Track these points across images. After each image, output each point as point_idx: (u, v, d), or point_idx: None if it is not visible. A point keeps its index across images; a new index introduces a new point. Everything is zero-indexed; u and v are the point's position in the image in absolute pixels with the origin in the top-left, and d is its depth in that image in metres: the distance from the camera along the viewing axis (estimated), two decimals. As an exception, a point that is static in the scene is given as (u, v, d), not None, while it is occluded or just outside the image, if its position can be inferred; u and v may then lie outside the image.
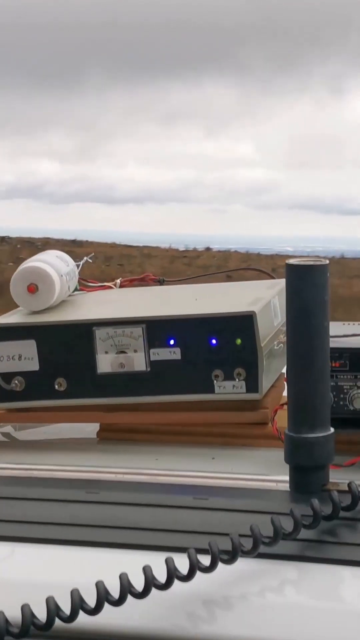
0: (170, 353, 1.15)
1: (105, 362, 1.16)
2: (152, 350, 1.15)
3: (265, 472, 1.07)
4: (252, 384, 1.15)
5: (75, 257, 1.36)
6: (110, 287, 1.36)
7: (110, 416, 1.21)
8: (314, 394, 0.97)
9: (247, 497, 1.00)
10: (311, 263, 0.96)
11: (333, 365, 1.07)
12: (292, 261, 0.97)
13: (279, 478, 1.03)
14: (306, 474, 0.98)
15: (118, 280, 1.36)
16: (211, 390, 1.15)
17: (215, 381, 1.15)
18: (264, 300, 1.19)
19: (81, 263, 1.35)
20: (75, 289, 1.34)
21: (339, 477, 1.01)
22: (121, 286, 1.37)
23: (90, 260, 1.37)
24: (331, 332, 1.09)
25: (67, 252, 1.37)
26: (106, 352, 1.16)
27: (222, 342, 1.14)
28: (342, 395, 1.07)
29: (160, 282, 1.37)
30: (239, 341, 1.14)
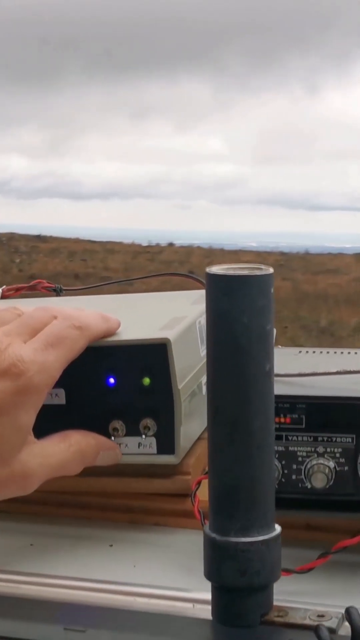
0: (51, 396, 0.80)
1: None
2: (24, 392, 0.80)
3: (179, 578, 0.73)
4: (166, 442, 0.80)
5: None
6: (-12, 298, 1.00)
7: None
8: (247, 475, 0.62)
9: (145, 627, 0.66)
10: (245, 273, 0.61)
11: (281, 421, 0.72)
12: (215, 269, 0.62)
13: (198, 596, 0.68)
14: (237, 598, 0.63)
15: (-1, 289, 1.00)
16: (108, 449, 0.80)
17: (113, 437, 0.80)
18: (185, 321, 0.84)
19: None
20: None
21: (290, 591, 0.67)
22: (3, 296, 1.01)
23: None
24: (281, 368, 0.75)
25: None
26: None
27: (122, 382, 0.80)
28: (294, 467, 0.73)
29: (57, 292, 1.02)
30: (147, 381, 0.79)
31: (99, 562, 0.77)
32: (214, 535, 0.63)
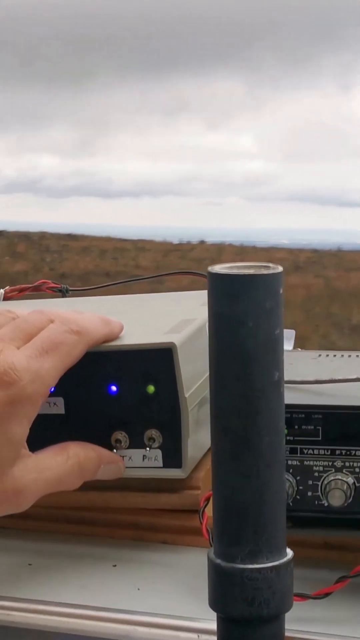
0: (49, 405, 0.75)
1: None
2: (20, 401, 0.74)
3: (184, 603, 0.67)
4: (173, 455, 0.74)
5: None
6: (-12, 300, 0.95)
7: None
8: (254, 495, 0.56)
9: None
10: (251, 272, 0.55)
11: (295, 432, 0.66)
12: (218, 267, 0.56)
13: (204, 626, 0.63)
14: (245, 630, 0.58)
15: (1, 290, 0.95)
16: (110, 462, 0.75)
17: (115, 449, 0.75)
18: (194, 323, 0.78)
19: None
20: None
21: (305, 619, 0.61)
22: (5, 298, 0.95)
23: None
24: (297, 374, 0.69)
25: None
26: None
27: (125, 390, 0.74)
28: (310, 483, 0.67)
29: (63, 293, 0.96)
30: (151, 389, 0.73)
31: (101, 584, 0.71)
32: (218, 561, 0.57)
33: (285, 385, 0.58)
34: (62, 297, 0.96)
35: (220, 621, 0.58)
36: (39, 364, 0.67)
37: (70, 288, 0.96)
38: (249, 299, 0.54)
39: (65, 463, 0.71)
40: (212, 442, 0.57)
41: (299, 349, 1.01)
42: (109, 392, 0.74)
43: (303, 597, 0.64)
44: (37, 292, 0.96)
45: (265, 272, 0.55)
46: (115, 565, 0.74)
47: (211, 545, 0.59)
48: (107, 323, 0.74)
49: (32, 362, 0.67)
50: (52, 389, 0.74)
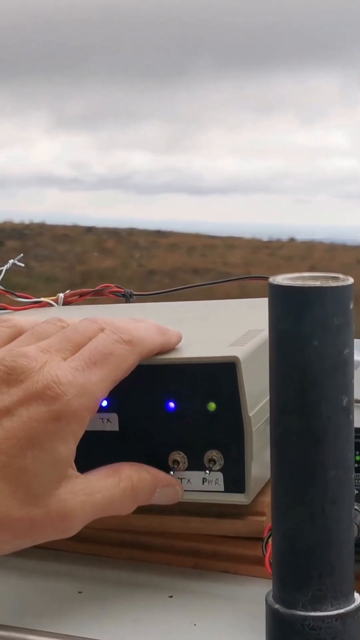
0: (103, 421, 0.69)
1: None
2: (72, 416, 0.69)
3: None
4: (235, 479, 0.68)
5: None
6: (48, 305, 0.89)
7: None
8: (318, 536, 0.50)
9: None
10: (317, 284, 0.49)
11: (368, 460, 0.60)
12: (281, 278, 0.50)
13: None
14: None
15: (61, 295, 0.89)
16: (168, 485, 0.69)
17: (172, 470, 0.69)
18: (261, 335, 0.72)
19: (4, 268, 0.90)
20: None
21: None
22: (65, 303, 0.90)
23: (20, 263, 0.92)
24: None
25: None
26: None
27: (184, 407, 0.68)
28: (383, 516, 0.60)
29: (127, 297, 0.91)
30: (212, 406, 0.67)
31: (155, 618, 0.66)
32: (277, 606, 0.51)
33: (358, 405, 0.52)
34: (126, 302, 0.91)
35: (279, 673, 0.52)
36: (86, 377, 0.62)
37: (135, 293, 0.91)
38: (314, 315, 0.48)
39: (117, 485, 0.65)
40: (272, 474, 0.51)
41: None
42: (166, 409, 0.68)
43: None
44: (99, 296, 0.90)
45: (333, 284, 0.49)
46: (171, 596, 0.69)
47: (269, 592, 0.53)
48: (164, 332, 0.68)
49: (79, 375, 0.62)
50: (106, 405, 0.68)
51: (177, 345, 0.69)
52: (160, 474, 0.68)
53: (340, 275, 0.50)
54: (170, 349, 0.68)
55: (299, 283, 0.49)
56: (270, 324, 0.50)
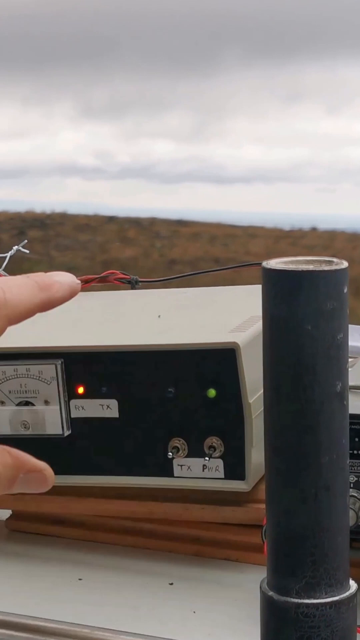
0: (103, 408, 0.69)
1: (0, 419, 0.71)
2: (73, 402, 0.69)
3: (242, 632, 0.61)
4: (235, 465, 0.67)
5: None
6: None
7: (20, 502, 0.75)
8: (312, 521, 0.49)
9: None
10: (310, 267, 0.48)
11: (367, 447, 0.59)
12: (274, 262, 0.49)
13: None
14: (299, 672, 0.51)
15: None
16: (168, 471, 0.69)
17: (173, 457, 0.68)
18: (261, 323, 0.71)
19: (8, 255, 0.89)
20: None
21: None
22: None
23: (25, 250, 0.91)
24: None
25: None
26: (1, 403, 0.70)
27: (183, 394, 0.68)
28: (382, 503, 0.59)
29: (132, 284, 0.90)
30: (212, 392, 0.67)
31: (154, 606, 0.66)
32: (271, 593, 0.51)
33: (353, 391, 0.51)
34: (131, 288, 0.90)
35: (274, 660, 0.52)
36: None
37: (140, 279, 0.90)
38: (307, 299, 0.48)
39: None
40: (265, 461, 0.51)
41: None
42: (165, 395, 0.67)
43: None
44: (104, 283, 0.90)
45: (327, 268, 0.48)
46: (172, 584, 0.68)
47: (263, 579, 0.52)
48: (46, 287, 0.50)
49: None
50: (107, 391, 0.68)
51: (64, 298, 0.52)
52: (25, 456, 0.53)
53: (335, 259, 0.49)
54: (56, 305, 0.53)
55: (291, 267, 0.48)
56: (263, 308, 0.49)
